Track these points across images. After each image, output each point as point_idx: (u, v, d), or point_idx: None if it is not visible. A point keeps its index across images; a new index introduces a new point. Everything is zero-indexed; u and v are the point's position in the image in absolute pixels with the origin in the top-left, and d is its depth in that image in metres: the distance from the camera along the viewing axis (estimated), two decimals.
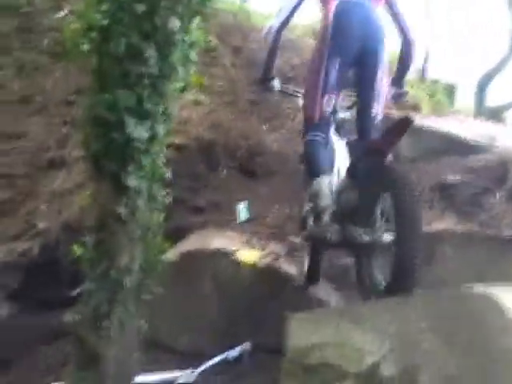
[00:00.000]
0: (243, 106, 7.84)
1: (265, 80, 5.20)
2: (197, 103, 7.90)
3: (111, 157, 4.10)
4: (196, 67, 4.44)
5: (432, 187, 6.19)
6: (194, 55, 4.31)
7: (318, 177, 4.59)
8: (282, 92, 5.42)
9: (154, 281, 4.56)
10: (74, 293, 4.31)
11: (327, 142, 4.84)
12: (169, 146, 6.13)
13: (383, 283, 4.14)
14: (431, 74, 11.54)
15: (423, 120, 7.07)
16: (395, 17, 5.03)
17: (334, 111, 4.96)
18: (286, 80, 7.48)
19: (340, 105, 5.06)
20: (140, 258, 4.32)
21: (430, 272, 5.40)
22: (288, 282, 5.39)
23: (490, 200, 5.93)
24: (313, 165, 4.73)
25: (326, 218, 4.46)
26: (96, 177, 4.23)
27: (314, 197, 4.58)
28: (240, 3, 12.53)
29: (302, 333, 3.84)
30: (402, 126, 4.10)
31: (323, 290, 5.33)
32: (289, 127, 7.38)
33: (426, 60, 11.59)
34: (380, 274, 4.24)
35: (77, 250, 4.42)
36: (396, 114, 6.99)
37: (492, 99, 12.72)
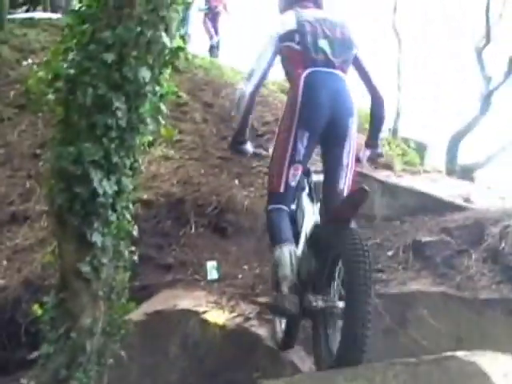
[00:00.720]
0: (213, 162, 7.74)
1: (237, 143, 5.08)
2: (166, 158, 7.79)
3: (75, 212, 3.93)
4: (166, 120, 4.30)
5: (407, 247, 6.05)
6: (164, 107, 4.17)
7: (280, 245, 4.44)
8: (256, 155, 5.36)
9: (118, 343, 4.36)
10: (32, 355, 4.10)
11: (291, 213, 4.72)
12: (136, 202, 6.02)
13: (335, 352, 3.97)
14: (402, 133, 11.60)
15: (397, 179, 6.98)
16: (363, 75, 4.95)
17: (308, 174, 4.87)
18: (257, 136, 7.45)
19: (312, 169, 4.95)
20: (103, 319, 4.11)
21: (404, 335, 5.32)
22: (259, 344, 5.19)
23: (465, 261, 5.77)
24: (274, 233, 4.60)
25: (285, 288, 4.28)
26: (59, 232, 4.05)
27: (275, 266, 4.49)
28: (211, 59, 12.56)
29: None
30: (360, 197, 4.00)
31: (295, 354, 5.13)
32: (259, 185, 7.25)
33: (396, 118, 11.64)
34: (334, 343, 4.05)
35: (37, 309, 4.22)
36: (370, 172, 6.93)
37: (463, 158, 12.80)
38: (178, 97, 9.08)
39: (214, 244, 6.63)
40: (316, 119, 4.57)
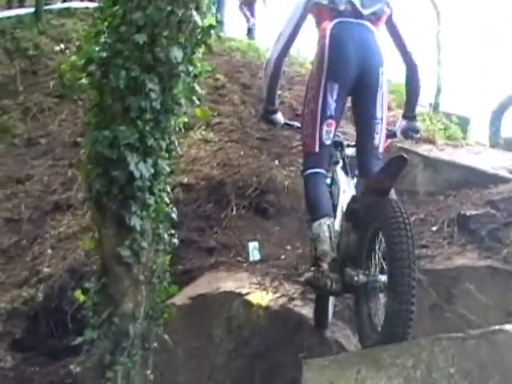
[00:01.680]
0: (253, 144, 7.65)
1: (267, 113, 4.83)
2: (205, 141, 7.73)
3: (113, 196, 3.91)
4: (203, 102, 4.23)
5: (451, 221, 5.94)
6: (198, 87, 4.10)
7: (318, 220, 4.24)
8: (287, 126, 5.03)
9: (162, 327, 4.33)
10: (77, 341, 4.08)
11: (328, 177, 4.56)
12: (176, 186, 6.00)
13: (379, 329, 3.81)
14: (443, 108, 11.38)
15: (440, 153, 6.84)
16: (397, 40, 4.75)
17: (341, 147, 4.72)
18: (296, 116, 7.34)
19: (346, 142, 4.80)
20: (145, 304, 4.08)
21: (451, 311, 5.22)
22: (303, 324, 5.12)
23: (511, 234, 5.64)
24: (312, 206, 4.38)
25: (325, 265, 4.12)
26: (98, 218, 4.03)
27: (313, 241, 4.27)
28: (248, 41, 12.47)
29: (320, 381, 3.58)
30: (398, 165, 3.81)
31: (341, 333, 5.05)
32: (300, 164, 7.13)
33: (437, 93, 11.42)
34: (378, 319, 3.90)
35: (79, 296, 4.20)
36: (411, 146, 6.81)
37: (507, 131, 12.52)
38: (216, 79, 9.05)
39: (256, 225, 6.56)
40: (345, 70, 4.37)
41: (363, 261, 4.03)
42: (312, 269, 4.30)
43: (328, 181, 4.59)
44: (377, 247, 3.94)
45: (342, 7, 4.48)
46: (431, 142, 7.39)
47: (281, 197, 6.69)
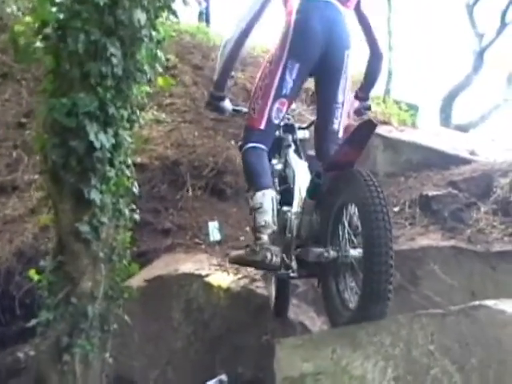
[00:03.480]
0: (207, 124, 7.47)
1: (215, 99, 4.48)
2: (158, 122, 7.52)
3: (71, 168, 3.68)
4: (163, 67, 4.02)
5: (413, 202, 5.88)
6: (161, 54, 3.89)
7: (261, 190, 4.02)
8: (235, 112, 4.69)
9: (121, 309, 4.12)
10: (30, 324, 3.85)
11: (268, 156, 4.27)
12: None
13: (353, 306, 3.63)
14: (394, 93, 11.36)
15: (400, 134, 6.75)
16: (365, 25, 4.45)
17: (293, 130, 4.53)
18: (249, 97, 7.15)
19: (298, 125, 4.62)
20: (105, 283, 3.87)
21: (416, 292, 5.15)
22: (266, 306, 4.96)
23: (474, 214, 5.61)
24: (256, 177, 4.12)
25: (265, 237, 3.90)
26: (55, 191, 3.80)
27: (254, 211, 4.02)
28: (198, 25, 12.28)
29: (294, 361, 3.43)
30: (366, 131, 3.57)
31: (305, 315, 4.91)
32: None
33: (388, 79, 11.40)
34: (352, 296, 3.71)
35: (34, 275, 3.97)
36: None
37: (456, 117, 12.63)
38: (167, 60, 8.80)
39: (213, 207, 6.40)
40: (308, 49, 4.12)
41: (329, 237, 3.80)
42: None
43: (280, 165, 4.43)
44: (345, 221, 3.71)
45: None
46: (388, 124, 7.30)
47: (238, 177, 6.50)
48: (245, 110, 4.64)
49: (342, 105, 4.26)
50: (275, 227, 3.96)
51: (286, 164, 4.44)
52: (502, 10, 12.55)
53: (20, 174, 7.30)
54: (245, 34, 4.23)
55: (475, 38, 12.81)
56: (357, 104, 4.73)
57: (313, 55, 4.15)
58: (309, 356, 3.39)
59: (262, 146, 4.18)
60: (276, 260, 3.85)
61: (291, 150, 4.47)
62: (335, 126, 4.25)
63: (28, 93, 8.60)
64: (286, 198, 4.21)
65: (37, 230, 6.17)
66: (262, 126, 4.16)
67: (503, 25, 12.46)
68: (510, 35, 12.79)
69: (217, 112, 4.73)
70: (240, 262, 4.23)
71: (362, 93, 4.71)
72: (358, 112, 4.77)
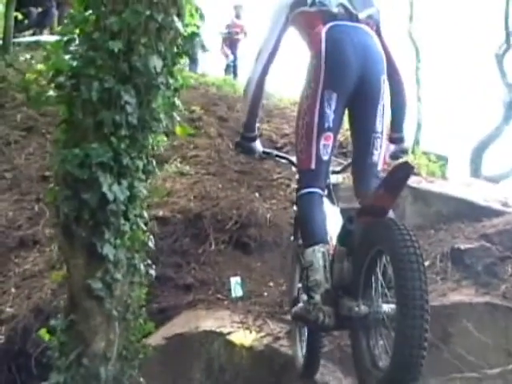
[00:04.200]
0: (231, 176, 7.32)
1: (245, 140, 4.35)
2: (181, 174, 7.38)
3: (84, 222, 3.51)
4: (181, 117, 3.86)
5: (444, 256, 5.64)
6: (178, 102, 3.73)
7: (312, 246, 3.78)
8: (266, 154, 4.54)
9: (137, 370, 3.91)
10: None
11: (325, 196, 4.07)
12: (151, 219, 5.64)
13: (383, 366, 3.37)
14: (423, 144, 11.21)
15: (429, 185, 6.52)
16: (385, 52, 4.15)
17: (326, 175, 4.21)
18: (276, 149, 7.03)
19: (331, 169, 4.34)
20: (119, 342, 3.66)
21: (448, 351, 4.91)
22: (290, 365, 4.73)
23: (509, 268, 5.34)
24: (307, 230, 3.91)
25: (318, 297, 3.69)
26: (66, 246, 3.62)
27: (306, 270, 3.80)
28: (224, 77, 12.31)
29: None
30: (403, 174, 3.30)
31: (331, 375, 4.66)
32: (281, 197, 6.82)
33: (417, 129, 11.26)
34: (383, 354, 3.43)
35: (44, 335, 3.78)
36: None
37: (487, 169, 12.39)
38: (192, 111, 8.74)
39: (236, 261, 6.19)
40: (344, 77, 3.89)
41: (361, 289, 3.53)
42: (301, 302, 3.93)
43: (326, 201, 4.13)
44: (379, 273, 3.43)
45: (335, 10, 4.02)
46: (417, 175, 7.10)
47: (262, 231, 6.32)
48: (275, 152, 4.58)
49: (382, 134, 3.99)
50: (328, 285, 3.69)
51: None
52: None
53: (41, 228, 7.16)
54: (264, 72, 4.16)
55: (505, 88, 12.63)
56: (392, 147, 4.40)
57: (349, 82, 3.92)
58: None
59: (318, 191, 3.95)
60: (329, 321, 3.64)
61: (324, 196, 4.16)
62: (375, 158, 3.96)
63: (52, 146, 8.53)
64: None
65: (55, 286, 5.99)
66: (313, 166, 3.92)
67: None
68: None
69: (246, 153, 4.54)
70: (299, 318, 4.02)
71: (395, 133, 4.38)
72: (394, 156, 4.44)
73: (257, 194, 6.87)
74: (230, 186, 7.09)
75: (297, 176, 4.19)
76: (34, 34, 13.76)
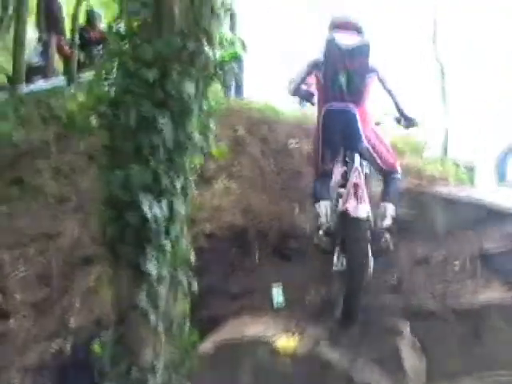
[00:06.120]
0: (274, 192, 7.07)
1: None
2: (227, 191, 7.16)
3: (127, 241, 3.32)
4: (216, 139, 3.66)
5: (474, 258, 5.43)
6: (212, 123, 3.53)
7: (317, 202, 5.53)
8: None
9: (185, 378, 3.69)
10: None
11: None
12: (199, 235, 5.47)
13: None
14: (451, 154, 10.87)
15: (458, 191, 6.21)
16: (388, 93, 5.60)
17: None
18: None
19: None
20: (165, 354, 3.45)
21: (479, 348, 4.77)
22: (331, 368, 4.50)
23: None
24: (314, 193, 5.70)
25: (321, 232, 5.37)
26: (113, 264, 3.43)
27: (316, 216, 5.49)
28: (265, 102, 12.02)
29: None
30: None
31: (372, 375, 4.41)
32: None
33: (445, 140, 10.92)
34: None
35: (97, 348, 3.59)
36: (426, 185, 6.34)
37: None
38: (235, 131, 8.55)
39: (279, 270, 5.94)
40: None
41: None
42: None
43: None
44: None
45: (332, 92, 5.34)
46: (446, 182, 6.80)
47: (302, 241, 6.07)
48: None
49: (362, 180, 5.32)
50: (328, 224, 5.49)
51: None
52: None
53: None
54: (295, 88, 5.83)
55: None
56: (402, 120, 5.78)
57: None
58: None
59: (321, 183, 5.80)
60: (328, 247, 5.43)
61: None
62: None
63: None
64: None
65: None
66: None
67: None
68: None
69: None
70: (315, 245, 5.62)
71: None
72: (407, 124, 5.83)
73: (297, 208, 6.63)
74: (272, 201, 6.86)
75: None
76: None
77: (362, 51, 5.31)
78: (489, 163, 11.99)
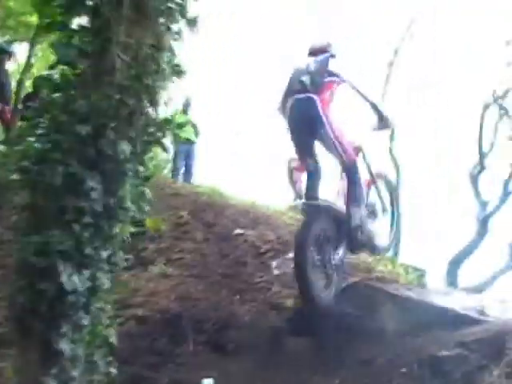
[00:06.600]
0: (214, 279, 6.83)
1: None
2: (164, 276, 6.87)
3: (40, 314, 2.97)
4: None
5: (422, 363, 5.14)
6: (148, 192, 3.26)
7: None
8: None
9: None
10: None
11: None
12: (129, 319, 5.18)
13: None
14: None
15: (408, 292, 6.02)
16: (363, 97, 6.16)
17: None
18: (259, 254, 6.68)
19: None
20: None
21: None
22: None
23: (487, 377, 4.89)
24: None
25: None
26: (20, 340, 3.06)
27: None
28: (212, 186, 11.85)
29: None
30: None
31: None
32: (261, 300, 6.30)
33: (397, 243, 10.86)
34: None
35: None
36: (376, 284, 6.22)
37: (462, 282, 11.90)
38: (180, 217, 8.34)
39: (214, 363, 5.58)
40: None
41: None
42: None
43: None
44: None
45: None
46: (395, 283, 6.63)
47: (241, 333, 5.76)
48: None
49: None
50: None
51: None
52: (504, 179, 12.18)
53: None
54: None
55: (479, 206, 12.31)
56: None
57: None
58: None
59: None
60: None
61: None
62: None
63: None
64: None
65: None
66: None
67: (506, 193, 12.03)
68: None
69: None
70: None
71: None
72: (380, 127, 6.36)
73: (237, 297, 6.34)
74: (211, 289, 6.59)
75: None
76: None
77: (322, 60, 6.05)
78: (439, 269, 12.01)
